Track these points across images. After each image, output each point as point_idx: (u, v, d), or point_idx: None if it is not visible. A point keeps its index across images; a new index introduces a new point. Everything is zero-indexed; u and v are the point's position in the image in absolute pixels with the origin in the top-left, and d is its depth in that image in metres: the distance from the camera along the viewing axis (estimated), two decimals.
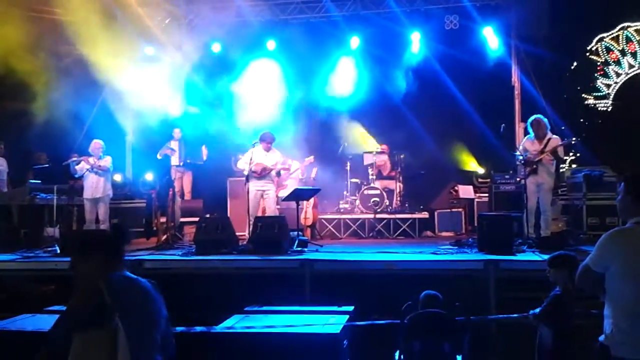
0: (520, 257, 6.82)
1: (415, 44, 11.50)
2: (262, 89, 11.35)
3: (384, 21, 11.31)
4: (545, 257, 6.60)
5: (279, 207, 9.61)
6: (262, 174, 8.65)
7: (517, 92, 11.25)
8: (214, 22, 11.12)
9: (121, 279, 2.69)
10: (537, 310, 4.08)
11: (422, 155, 11.19)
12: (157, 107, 10.29)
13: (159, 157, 10.52)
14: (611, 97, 11.99)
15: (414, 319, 3.91)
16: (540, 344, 4.02)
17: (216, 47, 11.74)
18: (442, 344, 3.87)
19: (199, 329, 4.76)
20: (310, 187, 9.37)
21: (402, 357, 3.98)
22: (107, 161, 9.08)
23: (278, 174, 8.96)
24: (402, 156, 10.91)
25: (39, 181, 9.34)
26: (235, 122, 10.88)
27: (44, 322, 4.61)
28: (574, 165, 10.66)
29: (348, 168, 10.97)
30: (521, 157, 7.84)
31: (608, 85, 12.04)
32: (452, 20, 11.09)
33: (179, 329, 4.55)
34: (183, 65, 11.11)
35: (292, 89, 11.50)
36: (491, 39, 11.10)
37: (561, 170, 9.27)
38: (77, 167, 8.95)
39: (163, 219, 9.12)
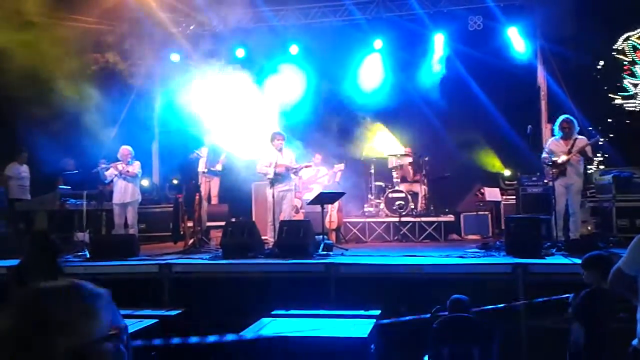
0: (549, 260, 6.74)
1: (439, 45, 11.45)
2: (284, 93, 11.39)
3: (407, 23, 11.29)
4: (575, 260, 6.57)
5: (303, 210, 9.65)
6: (286, 173, 8.68)
7: (543, 92, 11.13)
8: (238, 28, 11.23)
9: None
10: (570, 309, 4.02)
11: (446, 158, 11.13)
12: (185, 112, 10.42)
13: (193, 156, 10.60)
14: (639, 96, 11.78)
15: (442, 323, 3.90)
16: (574, 343, 3.96)
17: (240, 53, 11.84)
18: (472, 349, 3.84)
19: (229, 336, 4.80)
20: (335, 191, 9.38)
21: None
22: (135, 167, 9.22)
23: (296, 173, 8.96)
24: (426, 159, 10.87)
25: (69, 187, 9.52)
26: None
27: None
28: (601, 167, 10.50)
29: (372, 171, 10.96)
30: (553, 158, 7.74)
31: (635, 85, 11.82)
32: (476, 21, 11.01)
33: (212, 338, 4.59)
34: (208, 71, 11.23)
35: (316, 93, 11.52)
36: (515, 39, 11.00)
37: (589, 172, 9.14)
38: (106, 173, 9.11)
39: (190, 223, 9.23)
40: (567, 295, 4.35)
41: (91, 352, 1.13)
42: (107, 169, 9.11)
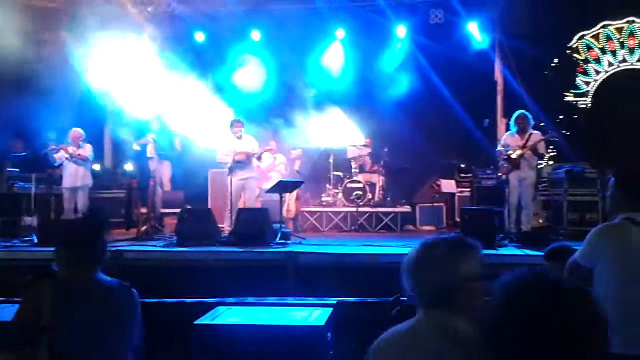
0: (501, 251, 6.89)
1: (400, 37, 11.49)
2: (244, 79, 11.22)
3: (370, 14, 11.27)
4: (527, 251, 6.74)
5: (261, 199, 9.56)
6: (247, 161, 8.56)
7: (499, 87, 11.31)
8: (198, 11, 10.99)
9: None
10: None
11: (404, 149, 11.21)
12: (137, 97, 10.12)
13: (136, 147, 10.34)
14: (590, 94, 12.16)
15: (402, 310, 3.90)
16: None
17: (200, 37, 11.59)
18: None
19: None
20: (294, 180, 9.33)
21: None
22: (87, 150, 8.94)
23: (259, 158, 8.87)
24: (385, 150, 10.92)
25: (17, 169, 9.15)
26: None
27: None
28: (550, 162, 10.78)
29: (331, 161, 10.94)
30: (508, 151, 7.87)
31: (587, 83, 12.19)
32: (437, 14, 11.10)
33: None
34: (165, 54, 10.95)
35: (276, 79, 11.40)
36: (475, 33, 11.14)
37: (539, 166, 9.36)
38: (55, 156, 8.79)
39: (143, 210, 9.01)
40: None
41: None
42: (57, 152, 8.79)
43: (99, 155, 10.79)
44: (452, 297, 1.73)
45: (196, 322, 4.70)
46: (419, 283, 1.81)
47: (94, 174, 9.74)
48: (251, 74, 11.24)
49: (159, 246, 7.36)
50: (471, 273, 1.74)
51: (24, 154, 9.65)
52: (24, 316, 2.32)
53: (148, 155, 10.10)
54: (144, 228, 8.59)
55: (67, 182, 8.83)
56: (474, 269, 1.75)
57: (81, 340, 2.25)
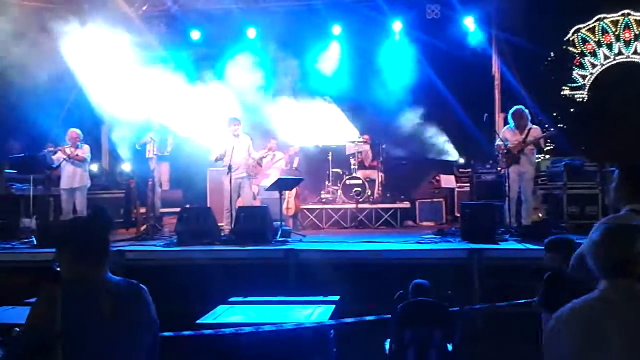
0: (503, 245, 6.90)
1: (397, 32, 11.47)
2: (241, 77, 11.17)
3: (366, 9, 11.23)
4: (528, 245, 6.75)
5: (260, 197, 9.54)
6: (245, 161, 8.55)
7: (497, 82, 11.31)
8: (194, 10, 10.96)
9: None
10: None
11: (403, 145, 11.19)
12: (132, 96, 10.08)
13: (137, 147, 10.31)
14: (586, 88, 12.17)
15: (405, 308, 3.91)
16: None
17: (195, 35, 11.54)
18: (433, 332, 3.86)
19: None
20: (294, 177, 9.31)
21: (393, 345, 3.97)
22: (84, 151, 8.89)
23: (260, 163, 8.86)
24: (383, 146, 10.91)
25: (15, 171, 9.10)
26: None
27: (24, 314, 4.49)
28: (547, 156, 10.79)
29: (330, 158, 10.92)
30: (508, 144, 7.85)
31: (584, 76, 12.21)
32: (434, 9, 11.09)
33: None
34: (161, 52, 10.92)
35: (273, 78, 11.36)
36: (472, 28, 11.12)
37: (537, 160, 9.37)
38: (53, 157, 8.75)
39: (143, 210, 8.97)
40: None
41: None
42: (55, 153, 8.75)
43: (96, 156, 10.76)
44: (631, 268, 2.15)
45: (198, 321, 4.69)
46: (604, 258, 2.24)
47: (91, 174, 9.69)
48: (247, 71, 11.20)
49: (159, 246, 7.35)
50: None
51: (21, 155, 9.59)
52: (35, 322, 2.25)
53: (148, 155, 10.07)
54: (143, 228, 8.57)
55: (64, 183, 8.79)
56: None
57: (94, 343, 2.21)
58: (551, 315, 3.19)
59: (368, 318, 4.65)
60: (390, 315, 4.12)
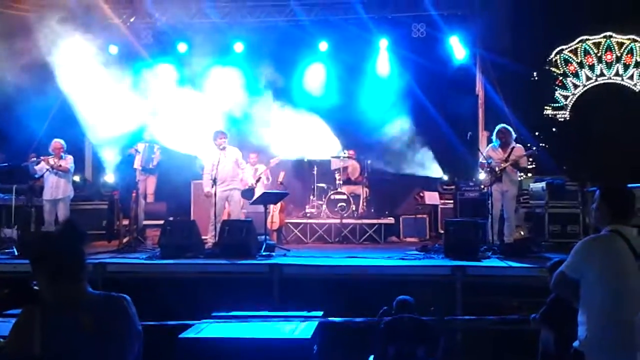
0: (485, 263, 6.95)
1: (383, 50, 11.59)
2: (227, 91, 11.19)
3: (352, 27, 11.34)
4: (510, 263, 6.82)
5: (245, 210, 9.52)
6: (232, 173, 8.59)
7: (481, 101, 11.44)
8: (181, 22, 10.98)
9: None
10: (537, 314, 4.10)
11: (387, 161, 11.26)
12: (121, 107, 10.05)
13: (127, 153, 10.24)
14: (569, 108, 12.38)
15: (389, 323, 3.92)
16: (544, 348, 4.03)
17: (182, 47, 11.56)
18: (417, 348, 3.88)
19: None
20: (278, 191, 9.31)
21: None
22: (67, 161, 8.81)
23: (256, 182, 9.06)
24: (368, 162, 10.97)
25: None
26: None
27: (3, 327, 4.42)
28: (529, 175, 10.93)
29: (315, 172, 10.95)
30: (492, 163, 7.94)
31: (566, 97, 12.42)
32: (419, 28, 11.23)
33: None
34: (148, 64, 10.92)
35: (260, 91, 11.40)
36: (457, 48, 11.27)
37: (520, 179, 9.49)
38: (36, 168, 8.67)
39: (126, 222, 8.89)
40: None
41: None
42: (38, 163, 8.66)
43: (79, 167, 10.66)
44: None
45: (181, 335, 4.65)
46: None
47: (74, 185, 9.60)
48: (233, 85, 11.23)
49: (142, 258, 7.28)
50: None
51: (4, 165, 9.48)
52: (14, 347, 2.17)
53: (135, 166, 10.02)
54: (125, 240, 8.49)
55: (47, 194, 8.69)
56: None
57: None
58: (551, 334, 3.26)
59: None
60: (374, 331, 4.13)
